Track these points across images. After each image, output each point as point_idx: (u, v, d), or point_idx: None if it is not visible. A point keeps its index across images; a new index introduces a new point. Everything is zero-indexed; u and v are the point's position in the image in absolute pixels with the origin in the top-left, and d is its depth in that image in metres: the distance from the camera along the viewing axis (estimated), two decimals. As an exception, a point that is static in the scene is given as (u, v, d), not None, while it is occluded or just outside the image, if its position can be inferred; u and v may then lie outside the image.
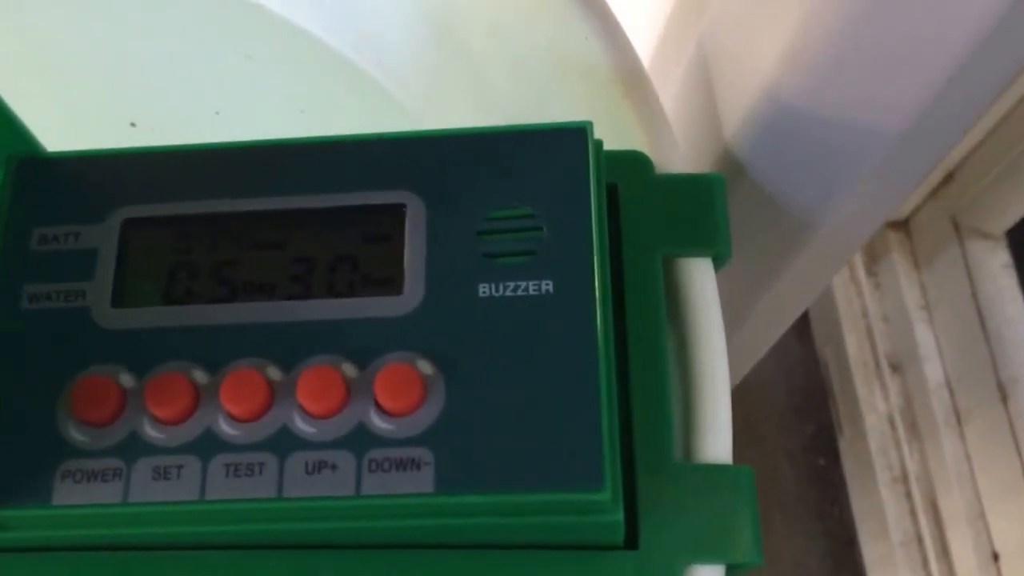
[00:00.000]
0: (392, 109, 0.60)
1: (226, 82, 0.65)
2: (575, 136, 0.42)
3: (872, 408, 1.29)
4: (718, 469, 0.42)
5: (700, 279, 0.45)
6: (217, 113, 0.62)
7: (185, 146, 0.44)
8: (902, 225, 1.31)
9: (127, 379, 0.40)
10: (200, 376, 0.40)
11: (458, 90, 0.58)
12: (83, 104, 0.63)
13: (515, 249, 0.41)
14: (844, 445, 1.34)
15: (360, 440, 0.38)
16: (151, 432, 0.39)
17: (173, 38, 0.66)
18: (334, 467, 0.38)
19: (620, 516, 0.39)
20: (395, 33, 0.60)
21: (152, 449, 0.39)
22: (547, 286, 0.40)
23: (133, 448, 0.39)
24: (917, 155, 0.53)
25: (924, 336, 1.25)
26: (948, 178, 1.21)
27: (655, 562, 0.40)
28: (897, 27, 0.44)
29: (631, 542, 0.41)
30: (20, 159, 0.44)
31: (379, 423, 0.38)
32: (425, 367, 0.39)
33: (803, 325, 1.42)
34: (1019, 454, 1.12)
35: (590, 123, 0.43)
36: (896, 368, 1.29)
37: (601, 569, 0.40)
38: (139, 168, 0.44)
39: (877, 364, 1.31)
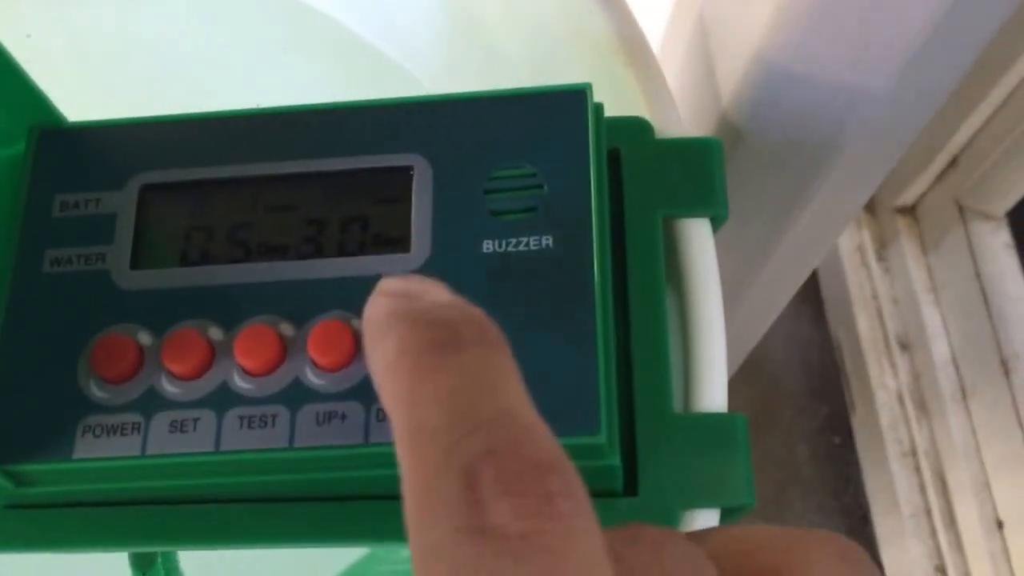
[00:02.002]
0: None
1: (265, 75, 0.65)
2: (575, 97, 0.42)
3: (883, 386, 1.29)
4: (714, 417, 0.42)
5: (699, 239, 0.45)
6: (258, 106, 0.62)
7: (200, 114, 0.44)
8: (910, 211, 1.32)
9: (145, 337, 0.40)
10: (215, 333, 0.40)
11: (473, 66, 0.58)
12: (126, 99, 0.63)
13: (517, 206, 0.41)
14: (857, 422, 1.34)
15: (369, 391, 0.38)
16: (168, 387, 0.39)
17: (213, 32, 0.66)
18: (343, 417, 0.38)
19: (617, 460, 0.38)
20: (417, 16, 0.60)
21: (169, 404, 0.39)
22: (547, 241, 0.40)
23: (151, 403, 0.39)
24: (907, 112, 0.52)
25: (931, 316, 1.25)
26: (952, 163, 1.21)
27: (654, 507, 0.40)
28: None
29: (631, 489, 0.40)
30: (42, 129, 0.44)
31: None
32: None
33: (817, 310, 1.42)
34: (1021, 427, 1.13)
35: (589, 84, 0.42)
36: (905, 347, 1.29)
37: (602, 513, 0.39)
38: (156, 135, 0.44)
39: (887, 344, 1.31)
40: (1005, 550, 1.13)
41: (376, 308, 0.28)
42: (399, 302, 0.28)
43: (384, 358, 0.28)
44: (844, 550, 0.27)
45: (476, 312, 0.28)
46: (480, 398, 0.26)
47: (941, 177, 1.24)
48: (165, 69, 0.65)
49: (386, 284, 0.29)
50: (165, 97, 0.57)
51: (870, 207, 1.36)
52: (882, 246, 1.34)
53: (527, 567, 0.22)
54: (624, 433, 0.40)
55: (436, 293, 0.29)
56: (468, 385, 0.26)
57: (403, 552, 0.62)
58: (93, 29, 0.66)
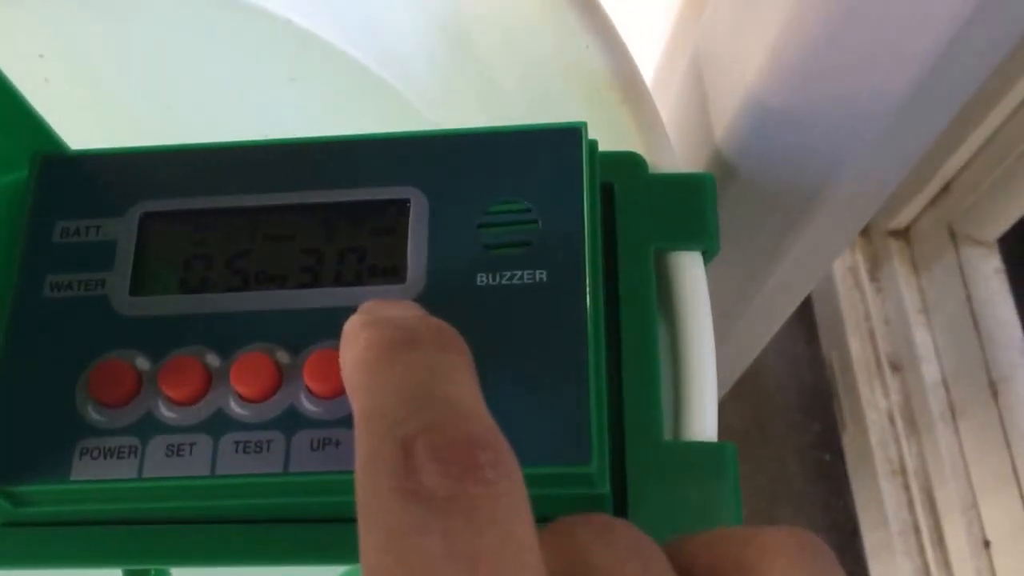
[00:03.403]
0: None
1: (273, 105, 0.65)
2: (570, 135, 0.42)
3: (873, 405, 1.29)
4: (704, 446, 0.42)
5: (691, 272, 0.45)
6: (266, 136, 0.63)
7: (200, 144, 0.44)
8: (903, 233, 1.32)
9: (143, 363, 0.40)
10: (212, 360, 0.40)
11: (471, 97, 0.59)
12: (133, 131, 0.63)
13: (511, 241, 0.41)
14: (847, 441, 1.34)
15: None
16: (165, 412, 0.39)
17: (222, 63, 0.66)
18: (338, 443, 0.38)
19: (607, 489, 0.38)
20: (419, 53, 0.61)
21: (166, 428, 0.39)
22: (541, 275, 0.40)
23: (148, 427, 0.39)
24: (896, 154, 0.53)
25: (922, 338, 1.26)
26: (945, 188, 1.22)
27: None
28: (866, 33, 0.44)
29: (621, 515, 0.40)
30: (44, 157, 0.44)
31: None
32: None
33: (810, 328, 1.42)
34: (1009, 448, 1.13)
35: (585, 123, 0.42)
36: (896, 368, 1.29)
37: None
38: (157, 165, 0.44)
39: (878, 364, 1.31)
40: (992, 569, 1.14)
41: (351, 320, 0.32)
42: (371, 315, 0.32)
43: (352, 355, 0.31)
44: (801, 539, 0.29)
45: (440, 322, 0.32)
46: (427, 386, 0.29)
47: (934, 202, 1.24)
48: (172, 93, 0.65)
49: (364, 304, 0.33)
50: (171, 121, 0.57)
51: (863, 230, 1.36)
52: (875, 268, 1.35)
53: (450, 522, 0.25)
54: (614, 461, 0.41)
55: (406, 308, 0.33)
56: (419, 376, 0.29)
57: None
58: (99, 61, 0.66)
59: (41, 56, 0.64)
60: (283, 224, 0.42)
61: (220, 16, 0.65)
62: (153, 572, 0.44)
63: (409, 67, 0.62)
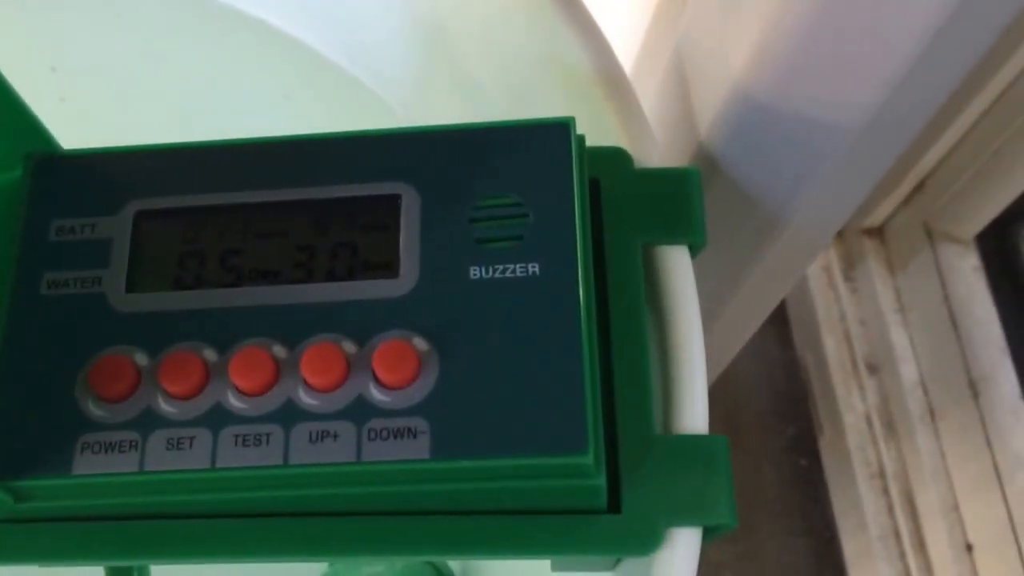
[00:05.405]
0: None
1: (268, 122, 0.66)
2: (560, 130, 0.44)
3: (850, 408, 1.29)
4: (695, 439, 0.44)
5: (678, 265, 0.46)
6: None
7: (193, 143, 0.46)
8: (877, 232, 1.32)
9: (141, 358, 0.42)
10: (210, 354, 0.42)
11: (453, 102, 0.60)
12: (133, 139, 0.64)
13: (503, 235, 0.42)
14: (824, 444, 1.35)
15: (360, 411, 0.40)
16: (164, 407, 0.41)
17: (216, 78, 0.68)
18: (336, 436, 0.40)
19: (603, 479, 0.40)
20: (397, 55, 0.62)
21: (166, 422, 0.41)
22: (533, 268, 0.42)
23: (148, 421, 0.41)
24: (877, 149, 0.54)
25: (899, 338, 1.26)
26: (920, 186, 1.22)
27: (636, 524, 0.42)
28: (852, 29, 0.45)
29: (615, 507, 0.42)
30: (39, 157, 0.46)
31: (378, 395, 0.40)
32: (420, 343, 0.41)
33: (783, 330, 1.43)
34: (990, 448, 1.13)
35: (573, 118, 0.44)
36: (873, 369, 1.30)
37: (586, 530, 0.42)
38: (151, 163, 0.46)
39: (855, 366, 1.31)
40: (975, 573, 1.14)
41: None
42: None
43: None
44: None
45: None
46: None
47: (909, 200, 1.25)
48: (169, 117, 0.67)
49: None
50: (170, 129, 0.59)
51: (837, 229, 1.36)
52: (849, 267, 1.35)
53: None
54: (607, 453, 0.42)
55: None
56: None
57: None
58: (92, 77, 0.67)
59: (54, 70, 0.66)
60: (276, 221, 0.44)
61: (213, 28, 0.66)
62: (135, 571, 0.46)
63: (387, 69, 0.63)
